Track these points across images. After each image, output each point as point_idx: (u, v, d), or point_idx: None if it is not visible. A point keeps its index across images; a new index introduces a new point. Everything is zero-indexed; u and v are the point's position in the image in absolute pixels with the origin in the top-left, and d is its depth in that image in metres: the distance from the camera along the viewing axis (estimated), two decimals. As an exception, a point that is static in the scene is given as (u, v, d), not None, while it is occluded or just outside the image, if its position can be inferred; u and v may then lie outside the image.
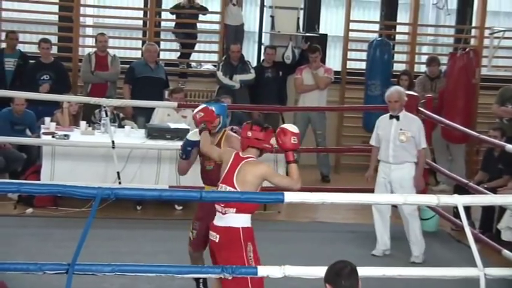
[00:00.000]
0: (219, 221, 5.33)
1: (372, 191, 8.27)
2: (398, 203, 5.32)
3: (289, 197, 5.21)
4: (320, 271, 5.13)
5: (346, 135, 12.25)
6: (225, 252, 5.27)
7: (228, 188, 5.30)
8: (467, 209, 7.33)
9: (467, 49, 11.58)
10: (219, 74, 11.17)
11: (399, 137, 7.74)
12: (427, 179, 9.83)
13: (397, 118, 7.82)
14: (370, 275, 4.98)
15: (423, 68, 11.97)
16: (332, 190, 7.84)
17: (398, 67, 12.30)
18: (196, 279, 6.21)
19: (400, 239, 7.93)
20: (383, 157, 7.89)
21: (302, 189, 7.31)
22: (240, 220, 5.28)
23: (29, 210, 8.82)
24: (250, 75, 11.19)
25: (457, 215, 7.97)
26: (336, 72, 11.83)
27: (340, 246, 8.01)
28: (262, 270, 5.10)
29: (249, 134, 5.38)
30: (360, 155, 11.48)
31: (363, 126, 11.76)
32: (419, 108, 9.15)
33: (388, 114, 7.91)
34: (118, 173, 8.75)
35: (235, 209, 5.25)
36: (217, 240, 5.31)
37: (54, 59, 10.96)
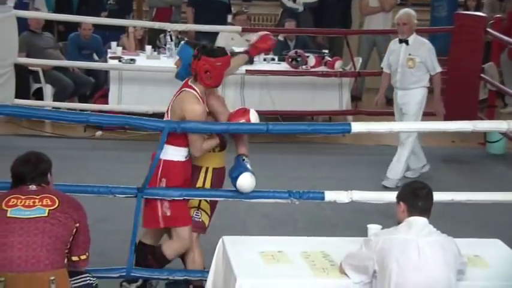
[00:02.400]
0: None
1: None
2: (468, 129, 5.26)
3: (356, 127, 5.19)
4: (387, 196, 5.18)
5: (411, 58, 12.09)
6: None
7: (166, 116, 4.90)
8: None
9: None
10: (283, -4, 11.08)
11: (407, 62, 7.50)
12: (495, 101, 9.71)
13: (407, 42, 7.53)
14: (438, 199, 4.97)
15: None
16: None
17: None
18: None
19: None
20: (393, 82, 7.70)
21: (369, 113, 7.35)
22: (166, 152, 4.87)
23: (99, 132, 9.00)
24: (314, -3, 11.07)
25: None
26: (402, -6, 11.64)
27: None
28: (330, 195, 5.13)
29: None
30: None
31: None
32: (487, 29, 8.97)
33: (398, 39, 7.67)
34: (184, 97, 8.82)
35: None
36: None
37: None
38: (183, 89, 4.85)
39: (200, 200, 5.04)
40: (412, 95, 7.53)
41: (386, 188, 7.26)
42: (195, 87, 4.81)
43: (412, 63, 7.46)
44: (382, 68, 7.86)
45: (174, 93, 4.93)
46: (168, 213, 4.88)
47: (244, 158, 4.97)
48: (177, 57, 5.08)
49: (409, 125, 5.49)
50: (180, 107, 4.79)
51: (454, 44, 9.33)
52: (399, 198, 3.97)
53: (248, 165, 4.92)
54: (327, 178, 7.05)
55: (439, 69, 7.57)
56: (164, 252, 5.00)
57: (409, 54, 7.49)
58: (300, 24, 10.38)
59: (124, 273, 4.96)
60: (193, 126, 4.89)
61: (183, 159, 4.90)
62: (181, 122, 4.86)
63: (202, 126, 4.94)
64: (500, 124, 5.40)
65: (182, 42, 5.46)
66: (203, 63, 4.74)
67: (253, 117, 4.92)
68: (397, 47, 7.62)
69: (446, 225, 4.07)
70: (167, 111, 4.91)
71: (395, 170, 7.56)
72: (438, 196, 4.85)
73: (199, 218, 5.04)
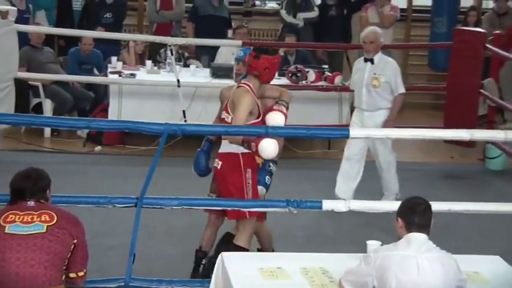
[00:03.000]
0: (222, 147, 5.44)
1: (438, 128, 8.19)
2: (465, 137, 5.27)
3: (355, 132, 5.22)
4: (384, 206, 5.19)
5: (411, 73, 12.12)
6: (226, 177, 5.37)
7: (225, 114, 5.40)
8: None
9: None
10: (283, 12, 11.10)
11: (372, 82, 7.19)
12: (494, 117, 9.71)
13: (372, 61, 7.23)
14: (435, 210, 4.97)
15: (491, 4, 11.71)
16: (397, 128, 7.85)
17: (465, 3, 12.04)
18: (198, 262, 5.68)
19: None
20: (357, 103, 7.39)
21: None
22: (240, 146, 5.28)
23: (98, 148, 9.01)
24: (314, 13, 11.09)
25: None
26: (402, 10, 11.65)
27: (404, 185, 7.99)
28: (327, 204, 5.14)
29: (246, 58, 5.51)
30: (425, 94, 11.39)
31: (428, 64, 11.62)
32: (487, 45, 8.99)
33: (363, 57, 7.36)
34: (184, 111, 8.85)
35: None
36: (219, 167, 5.41)
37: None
38: (239, 85, 5.39)
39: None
40: (379, 116, 7.23)
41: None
42: (249, 83, 5.36)
43: (377, 83, 7.19)
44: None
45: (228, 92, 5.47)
46: (251, 197, 5.30)
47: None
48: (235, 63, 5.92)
49: (406, 131, 5.45)
50: (234, 100, 5.31)
51: (454, 59, 9.35)
52: (398, 214, 3.96)
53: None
54: (327, 193, 7.04)
55: (402, 90, 7.26)
56: (241, 245, 5.34)
57: (374, 74, 7.21)
58: (300, 40, 10.40)
59: (122, 284, 4.96)
60: (194, 128, 5.03)
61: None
62: (181, 125, 4.96)
63: (202, 128, 5.35)
64: (497, 133, 5.43)
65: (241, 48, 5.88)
66: (263, 61, 5.32)
67: (280, 117, 5.38)
68: (362, 66, 7.32)
69: (446, 241, 4.06)
70: (226, 109, 5.38)
71: (391, 189, 7.44)
72: (435, 206, 4.86)
73: None
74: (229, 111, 5.36)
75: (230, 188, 5.36)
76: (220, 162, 5.42)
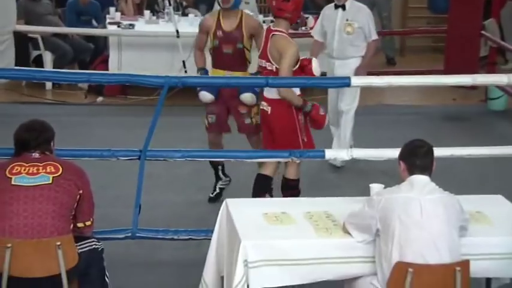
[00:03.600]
0: (271, 92, 5.46)
1: (439, 72, 8.21)
2: (468, 83, 5.26)
3: (356, 80, 5.22)
4: (386, 153, 5.21)
5: (411, 16, 12.05)
6: (279, 122, 5.43)
7: (265, 63, 5.43)
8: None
9: None
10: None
11: (345, 28, 6.91)
12: (495, 58, 9.69)
13: (343, 7, 6.94)
14: (437, 155, 4.99)
15: None
16: (398, 73, 7.83)
17: None
18: (215, 167, 6.23)
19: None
20: (328, 51, 7.08)
21: (368, 73, 7.33)
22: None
23: (100, 98, 9.01)
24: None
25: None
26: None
27: (406, 128, 8.01)
28: (330, 153, 5.17)
29: (273, 2, 5.47)
30: (425, 37, 11.33)
31: (427, 7, 11.53)
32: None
33: (333, 4, 7.07)
34: (184, 61, 8.82)
35: None
36: (269, 112, 5.46)
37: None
38: (273, 33, 5.41)
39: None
40: (351, 65, 6.94)
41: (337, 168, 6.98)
42: (283, 29, 5.44)
43: (351, 29, 6.90)
44: (383, 28, 7.60)
45: (264, 40, 5.47)
46: (306, 140, 5.45)
47: None
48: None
49: (408, 79, 5.45)
50: (279, 50, 5.35)
51: (454, 1, 9.29)
52: (400, 157, 3.99)
53: None
54: (328, 140, 7.05)
55: (375, 36, 7.01)
56: (292, 177, 5.52)
57: (347, 20, 6.92)
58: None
59: (129, 234, 5.01)
60: (194, 80, 5.05)
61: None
62: (181, 77, 5.04)
63: (203, 80, 5.44)
64: (500, 78, 5.42)
65: None
66: (292, 3, 5.40)
67: (315, 66, 5.40)
68: (333, 13, 7.02)
69: (447, 183, 4.08)
70: (265, 56, 5.42)
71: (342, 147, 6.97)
72: (437, 152, 4.88)
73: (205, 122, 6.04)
74: (271, 59, 5.41)
75: (285, 131, 5.44)
76: (269, 107, 5.48)
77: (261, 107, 5.58)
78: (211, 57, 6.02)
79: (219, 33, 5.87)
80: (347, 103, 7.08)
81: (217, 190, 6.24)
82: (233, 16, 5.88)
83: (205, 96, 5.89)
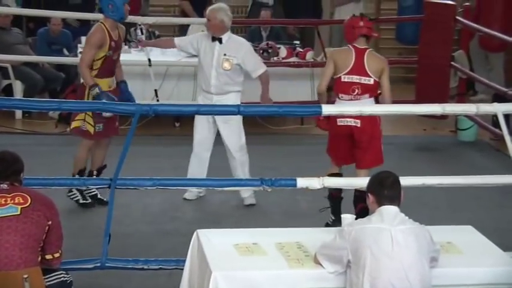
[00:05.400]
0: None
1: (410, 102, 8.26)
2: (437, 112, 5.30)
3: (327, 109, 5.23)
4: (357, 182, 5.22)
5: (382, 47, 12.14)
6: (371, 132, 5.95)
7: (364, 78, 5.92)
8: (507, 117, 7.27)
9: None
10: (252, -12, 11.03)
11: (222, 64, 6.55)
12: (464, 89, 9.77)
13: (220, 41, 6.59)
14: (409, 184, 5.01)
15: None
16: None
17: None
18: None
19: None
20: (204, 86, 6.67)
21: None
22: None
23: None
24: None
25: (496, 124, 7.94)
26: (372, -17, 11.67)
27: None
28: (302, 182, 5.16)
29: (361, 23, 5.99)
30: (397, 67, 11.40)
31: (395, 37, 11.66)
32: (457, 17, 9.02)
33: (210, 35, 6.66)
34: (155, 90, 8.81)
35: (368, 94, 5.95)
36: (358, 125, 5.88)
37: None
38: (367, 51, 5.99)
39: (85, 114, 6.38)
40: (229, 100, 6.54)
41: (251, 206, 6.68)
42: (366, 47, 6.05)
43: (229, 65, 6.54)
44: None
45: (355, 58, 5.96)
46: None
47: None
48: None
49: (381, 107, 5.52)
50: (378, 66, 5.99)
51: (424, 32, 9.38)
52: (367, 189, 4.01)
53: None
54: (301, 168, 7.05)
55: (263, 68, 6.69)
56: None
57: (225, 55, 6.57)
58: (271, 17, 10.37)
59: (99, 264, 4.95)
60: (166, 108, 5.08)
61: None
62: (152, 105, 5.11)
63: (174, 108, 5.61)
64: (469, 107, 5.46)
65: None
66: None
67: None
68: (209, 45, 6.62)
69: (419, 212, 4.09)
70: (358, 71, 5.93)
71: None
72: (409, 181, 4.92)
73: (85, 128, 6.44)
74: (370, 74, 5.93)
75: (375, 141, 5.98)
76: (358, 120, 5.85)
77: (347, 123, 5.89)
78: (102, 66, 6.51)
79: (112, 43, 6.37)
80: (236, 150, 6.66)
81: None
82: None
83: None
